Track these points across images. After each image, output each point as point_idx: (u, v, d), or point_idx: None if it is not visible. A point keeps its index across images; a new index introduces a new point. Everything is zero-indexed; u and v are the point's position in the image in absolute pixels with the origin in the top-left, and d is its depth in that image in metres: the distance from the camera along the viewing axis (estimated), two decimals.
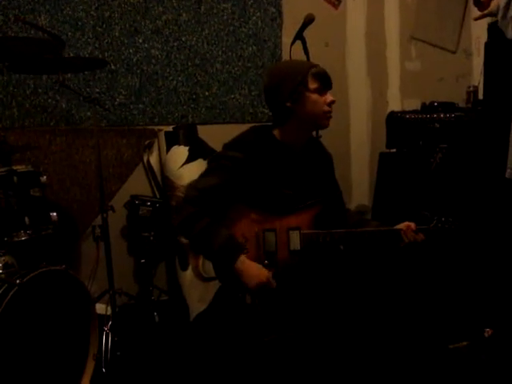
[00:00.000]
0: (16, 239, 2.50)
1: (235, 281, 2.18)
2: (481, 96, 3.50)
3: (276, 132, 2.33)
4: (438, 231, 2.35)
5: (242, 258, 2.16)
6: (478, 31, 3.69)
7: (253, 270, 2.16)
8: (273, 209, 2.26)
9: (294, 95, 2.23)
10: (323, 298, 2.29)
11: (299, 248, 2.25)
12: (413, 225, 2.31)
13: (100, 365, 2.62)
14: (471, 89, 3.61)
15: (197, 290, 3.28)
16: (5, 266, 2.40)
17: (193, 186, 2.25)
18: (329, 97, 2.26)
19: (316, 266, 2.33)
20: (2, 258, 2.41)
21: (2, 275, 2.30)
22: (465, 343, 2.45)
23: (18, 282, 2.15)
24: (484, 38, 3.21)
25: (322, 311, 2.27)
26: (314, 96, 2.24)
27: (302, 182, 2.34)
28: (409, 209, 3.40)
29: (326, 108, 2.26)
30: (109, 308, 2.91)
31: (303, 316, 2.26)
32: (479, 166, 3.15)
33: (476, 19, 2.38)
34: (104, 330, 2.76)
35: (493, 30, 3.12)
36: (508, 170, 2.42)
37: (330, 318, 2.27)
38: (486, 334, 2.49)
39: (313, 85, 2.23)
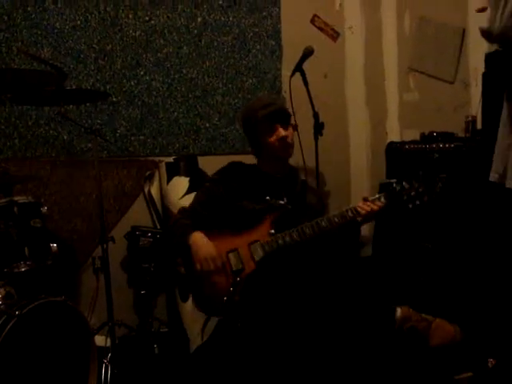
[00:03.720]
0: (16, 270, 2.49)
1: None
2: (479, 126, 3.52)
3: (258, 162, 2.69)
4: (398, 195, 2.40)
5: (194, 234, 2.41)
6: (476, 62, 3.73)
7: (203, 242, 2.40)
8: (235, 226, 2.46)
9: (253, 142, 2.63)
10: (304, 300, 2.33)
11: (263, 255, 2.38)
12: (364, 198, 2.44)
13: None
14: (470, 119, 3.63)
15: (197, 322, 3.25)
16: (4, 297, 2.39)
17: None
18: (280, 132, 2.52)
19: (285, 267, 2.39)
20: (2, 289, 2.40)
21: (2, 306, 2.29)
22: (469, 374, 2.42)
23: (17, 313, 2.14)
24: (482, 68, 3.24)
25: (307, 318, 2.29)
26: (266, 138, 2.54)
27: (270, 201, 2.56)
28: (409, 239, 3.39)
29: (279, 145, 2.53)
30: (108, 340, 2.89)
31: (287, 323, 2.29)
32: (479, 196, 3.15)
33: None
34: (103, 362, 2.73)
35: (490, 60, 3.15)
36: (492, 174, 2.48)
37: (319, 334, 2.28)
38: (490, 365, 2.46)
39: (262, 128, 2.54)
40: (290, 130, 2.58)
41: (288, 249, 2.39)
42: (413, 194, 2.40)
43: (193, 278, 2.46)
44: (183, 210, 2.62)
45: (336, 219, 2.39)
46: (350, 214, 2.39)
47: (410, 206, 2.40)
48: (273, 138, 2.53)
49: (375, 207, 2.38)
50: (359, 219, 2.39)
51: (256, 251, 2.40)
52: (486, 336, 2.62)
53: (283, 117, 2.56)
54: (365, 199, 2.44)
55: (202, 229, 2.48)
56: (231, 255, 2.41)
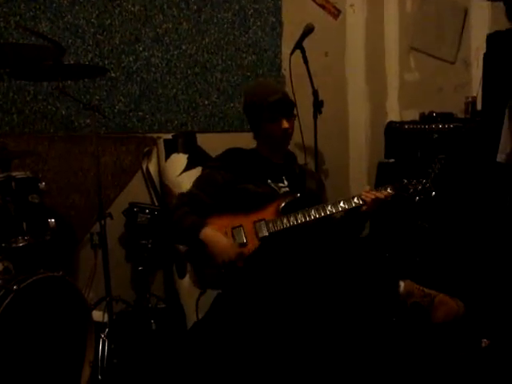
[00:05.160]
0: (14, 245, 2.49)
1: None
2: (479, 107, 3.51)
3: (257, 145, 2.69)
4: (404, 187, 2.45)
5: (207, 229, 2.37)
6: (478, 42, 3.70)
7: (218, 238, 2.37)
8: (240, 208, 2.46)
9: (254, 124, 2.63)
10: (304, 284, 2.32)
11: (267, 234, 2.40)
12: (368, 187, 2.51)
13: (96, 372, 2.61)
14: (470, 99, 3.61)
15: (194, 299, 3.27)
16: (2, 272, 2.40)
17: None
18: (283, 124, 2.54)
19: (287, 248, 2.40)
20: (0, 264, 2.41)
21: None
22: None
23: (15, 287, 2.15)
24: (483, 49, 3.22)
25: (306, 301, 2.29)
26: (268, 126, 2.56)
27: (272, 184, 2.58)
28: (407, 218, 3.40)
29: (280, 135, 2.56)
30: (106, 315, 2.91)
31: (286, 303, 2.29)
32: (477, 177, 3.16)
33: None
34: (100, 337, 2.75)
35: (492, 41, 3.14)
36: (499, 155, 2.50)
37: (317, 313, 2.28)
38: (483, 345, 2.49)
39: (267, 116, 2.53)
40: (292, 121, 2.59)
41: (292, 229, 2.40)
42: (419, 188, 2.42)
43: (193, 250, 2.47)
44: (181, 195, 2.61)
45: (342, 205, 2.41)
46: (355, 200, 2.41)
47: (416, 199, 2.42)
48: (275, 128, 2.55)
49: (381, 195, 2.40)
50: (364, 208, 2.40)
51: (260, 229, 2.41)
52: (483, 314, 2.64)
53: (289, 109, 2.58)
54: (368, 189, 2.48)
55: (201, 214, 2.48)
56: (235, 230, 2.43)
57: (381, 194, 2.40)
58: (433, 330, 2.35)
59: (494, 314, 2.68)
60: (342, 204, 2.41)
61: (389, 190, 2.44)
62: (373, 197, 2.39)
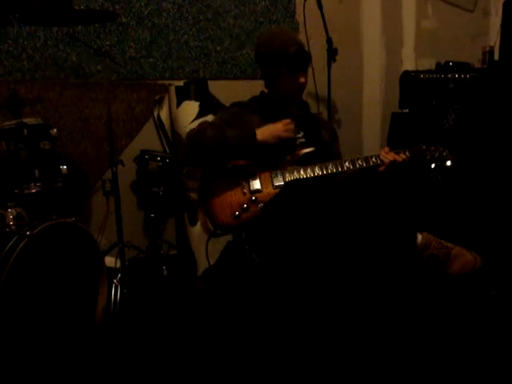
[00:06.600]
0: (26, 191, 2.52)
1: None
2: (497, 57, 3.44)
3: (270, 94, 2.63)
4: (422, 153, 2.46)
5: (257, 130, 2.39)
6: None
7: (268, 128, 2.41)
8: (257, 155, 2.44)
9: (267, 74, 2.57)
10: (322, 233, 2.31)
11: (283, 182, 2.40)
12: (387, 148, 2.44)
13: (108, 316, 2.67)
14: (487, 49, 3.54)
15: (205, 246, 3.31)
16: (15, 218, 2.43)
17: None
18: (300, 79, 2.50)
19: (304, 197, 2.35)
20: (13, 210, 2.44)
21: (13, 227, 2.34)
22: None
23: (28, 233, 2.18)
24: None
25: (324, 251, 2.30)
26: (285, 78, 2.50)
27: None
28: (419, 170, 3.39)
29: (295, 88, 2.53)
30: (118, 261, 2.95)
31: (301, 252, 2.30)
32: (492, 129, 3.12)
33: None
34: (113, 282, 2.80)
35: None
36: None
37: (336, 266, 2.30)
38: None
39: (284, 68, 2.48)
40: (307, 74, 2.56)
41: (309, 180, 2.40)
42: (437, 155, 2.43)
43: (208, 187, 2.46)
44: (203, 123, 2.48)
45: (359, 162, 2.41)
46: (373, 159, 2.40)
47: (433, 165, 2.41)
48: (291, 82, 2.51)
49: (399, 158, 2.39)
50: (381, 168, 2.40)
51: (276, 177, 2.42)
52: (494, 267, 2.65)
53: (306, 63, 2.53)
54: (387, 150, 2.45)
55: None
56: (251, 178, 2.43)
57: (399, 158, 2.39)
58: (448, 282, 2.36)
59: (505, 266, 2.69)
60: (359, 161, 2.41)
61: (407, 154, 2.43)
62: (391, 158, 2.38)
